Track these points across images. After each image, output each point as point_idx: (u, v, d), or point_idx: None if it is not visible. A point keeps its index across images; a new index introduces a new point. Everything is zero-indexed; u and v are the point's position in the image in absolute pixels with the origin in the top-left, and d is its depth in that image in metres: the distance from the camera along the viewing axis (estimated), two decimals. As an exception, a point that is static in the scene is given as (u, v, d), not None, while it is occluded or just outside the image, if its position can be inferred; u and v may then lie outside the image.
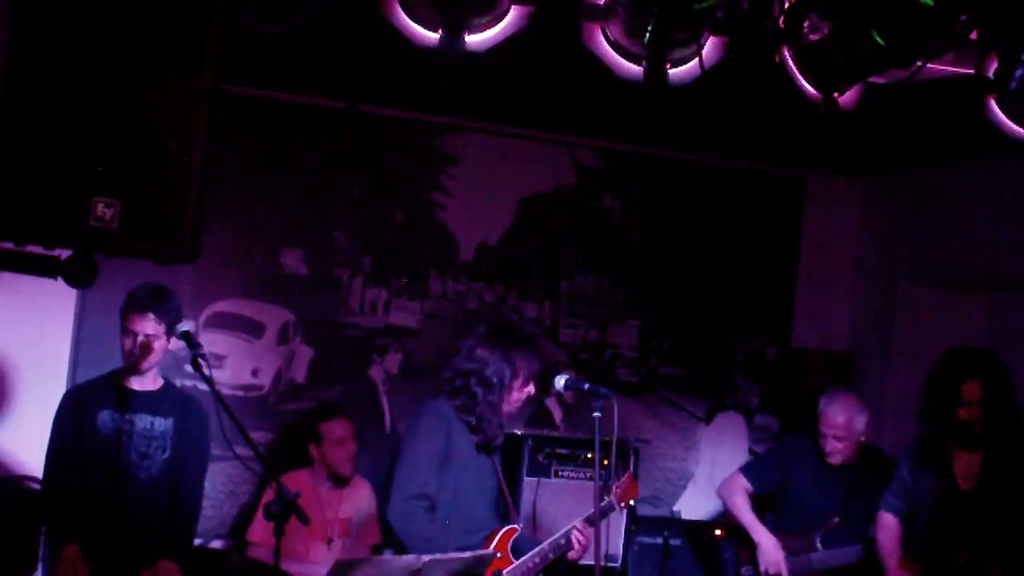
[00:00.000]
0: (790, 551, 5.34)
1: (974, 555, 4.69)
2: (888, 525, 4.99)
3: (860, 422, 5.30)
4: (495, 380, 4.48)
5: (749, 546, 5.43)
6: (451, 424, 4.50)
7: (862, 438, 5.33)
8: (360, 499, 5.39)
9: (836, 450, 5.30)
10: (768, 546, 5.35)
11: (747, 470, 5.64)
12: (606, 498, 4.66)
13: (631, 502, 4.87)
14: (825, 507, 5.33)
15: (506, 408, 4.56)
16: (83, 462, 4.52)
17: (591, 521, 4.39)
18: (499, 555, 4.44)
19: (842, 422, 5.27)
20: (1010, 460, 4.70)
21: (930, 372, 4.81)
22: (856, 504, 5.28)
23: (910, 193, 6.63)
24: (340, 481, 5.33)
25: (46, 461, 4.59)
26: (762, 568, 5.35)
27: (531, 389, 4.59)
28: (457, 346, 4.67)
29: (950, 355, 4.80)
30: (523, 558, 4.48)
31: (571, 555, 4.54)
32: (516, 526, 4.59)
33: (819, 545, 5.30)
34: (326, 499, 5.26)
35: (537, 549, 4.50)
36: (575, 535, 4.50)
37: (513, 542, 4.52)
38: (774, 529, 5.42)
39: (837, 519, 5.28)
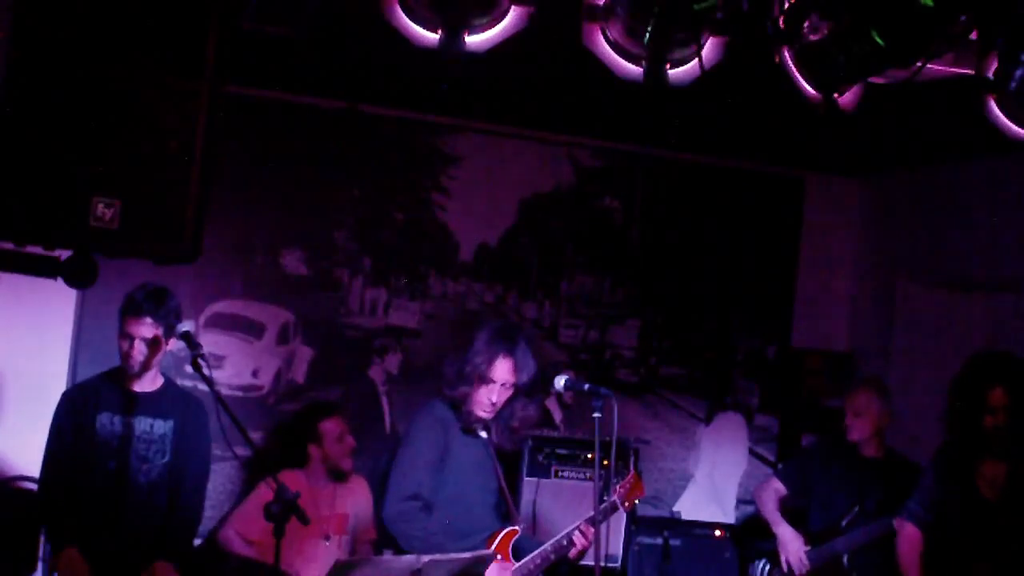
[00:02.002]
0: (814, 543, 5.39)
1: (999, 566, 4.59)
2: (909, 535, 4.87)
3: (878, 403, 5.39)
4: (465, 367, 4.51)
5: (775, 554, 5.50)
6: (449, 425, 4.50)
7: (883, 423, 5.39)
8: (356, 495, 5.39)
9: (855, 426, 5.39)
10: (788, 538, 5.42)
11: (778, 472, 5.83)
12: (609, 497, 4.66)
13: (636, 501, 4.86)
14: (848, 503, 5.38)
15: (479, 397, 4.52)
16: (81, 464, 4.48)
17: (594, 521, 4.39)
18: (499, 556, 4.44)
19: (861, 397, 5.41)
20: None
21: (953, 379, 4.75)
22: (872, 501, 5.30)
23: (910, 193, 6.63)
24: (338, 476, 5.32)
25: (43, 462, 4.56)
26: (783, 559, 5.40)
27: (499, 375, 4.51)
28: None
29: (973, 361, 4.75)
30: (525, 559, 4.47)
31: (571, 554, 4.54)
32: (517, 527, 4.58)
33: (842, 527, 5.34)
34: (321, 496, 5.25)
35: (539, 550, 4.49)
36: (577, 535, 4.50)
37: (514, 543, 4.52)
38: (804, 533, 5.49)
39: (857, 507, 5.32)
